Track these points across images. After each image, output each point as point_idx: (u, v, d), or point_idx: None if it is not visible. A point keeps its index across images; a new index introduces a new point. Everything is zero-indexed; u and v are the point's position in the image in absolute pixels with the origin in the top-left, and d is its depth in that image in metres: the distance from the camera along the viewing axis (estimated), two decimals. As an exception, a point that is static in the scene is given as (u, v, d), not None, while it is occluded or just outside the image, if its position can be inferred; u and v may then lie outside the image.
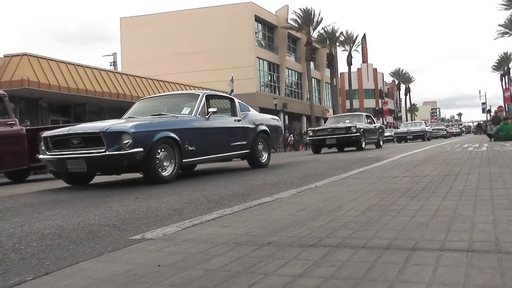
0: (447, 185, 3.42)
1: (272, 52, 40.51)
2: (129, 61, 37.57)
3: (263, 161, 8.14)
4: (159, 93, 20.42)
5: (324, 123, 24.04)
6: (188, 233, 2.22)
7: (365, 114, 17.70)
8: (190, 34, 37.09)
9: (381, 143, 17.22)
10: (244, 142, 7.63)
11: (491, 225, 1.95)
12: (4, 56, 17.24)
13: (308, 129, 17.98)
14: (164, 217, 3.02)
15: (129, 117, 6.90)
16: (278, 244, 1.85)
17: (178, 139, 5.99)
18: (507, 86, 60.00)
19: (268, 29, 40.92)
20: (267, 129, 8.35)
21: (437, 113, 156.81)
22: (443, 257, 1.51)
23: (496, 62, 67.94)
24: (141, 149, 5.45)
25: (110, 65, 36.57)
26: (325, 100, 52.15)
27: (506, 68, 63.06)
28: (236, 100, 8.00)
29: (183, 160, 6.16)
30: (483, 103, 72.88)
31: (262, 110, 35.91)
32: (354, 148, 15.05)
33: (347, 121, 15.83)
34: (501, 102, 59.77)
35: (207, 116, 6.79)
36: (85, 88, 18.80)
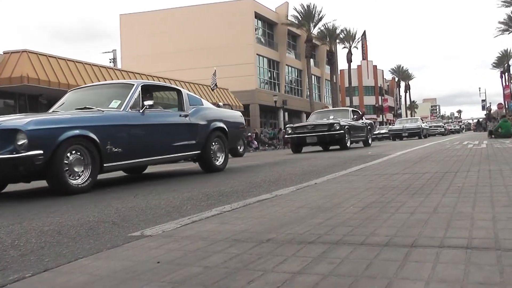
0: (446, 182, 3.42)
1: (272, 49, 40.45)
2: (129, 58, 37.52)
3: (218, 164, 6.99)
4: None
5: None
6: (187, 230, 2.22)
7: (352, 109, 16.20)
8: (190, 31, 37.04)
9: (369, 141, 15.96)
10: (193, 142, 6.52)
11: (491, 222, 1.95)
12: (4, 53, 17.18)
13: (287, 126, 15.64)
14: (163, 214, 3.02)
15: (53, 111, 5.88)
16: (277, 241, 1.85)
17: (97, 138, 4.96)
18: (507, 83, 59.92)
19: (268, 26, 40.86)
20: (225, 126, 7.15)
21: (437, 110, 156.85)
22: (442, 254, 1.51)
23: (496, 59, 68.07)
24: (41, 152, 4.40)
25: (110, 62, 36.63)
26: (325, 97, 52.11)
27: (506, 65, 63.02)
28: (185, 92, 6.84)
29: (105, 165, 5.13)
30: (483, 100, 72.77)
31: (262, 107, 36.26)
32: (355, 147, 14.12)
33: (331, 117, 14.46)
34: (501, 99, 59.75)
35: (141, 111, 5.73)
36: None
